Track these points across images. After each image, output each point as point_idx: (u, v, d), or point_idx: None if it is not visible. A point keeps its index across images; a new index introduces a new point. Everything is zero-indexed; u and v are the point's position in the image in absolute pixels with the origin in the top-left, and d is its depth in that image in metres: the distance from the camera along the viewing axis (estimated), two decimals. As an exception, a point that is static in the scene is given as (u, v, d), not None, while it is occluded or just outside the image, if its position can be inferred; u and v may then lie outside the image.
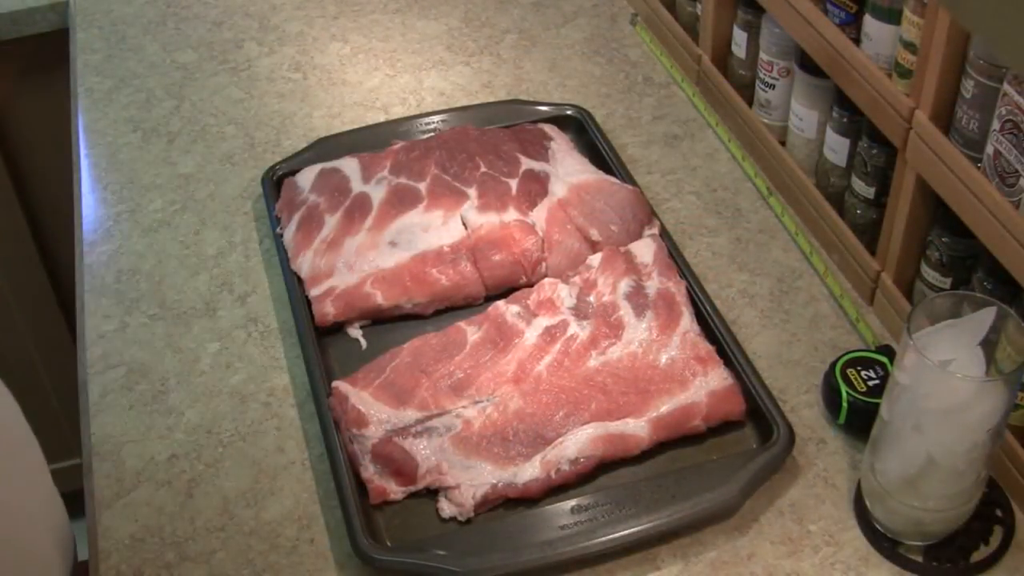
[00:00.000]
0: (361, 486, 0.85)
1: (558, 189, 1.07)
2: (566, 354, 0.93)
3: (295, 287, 1.01)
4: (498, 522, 0.84)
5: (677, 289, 0.97)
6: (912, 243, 0.95)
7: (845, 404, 0.89)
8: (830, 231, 1.05)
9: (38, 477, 0.88)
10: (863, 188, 1.00)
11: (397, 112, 1.25)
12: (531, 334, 0.94)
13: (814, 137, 1.08)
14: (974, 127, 0.83)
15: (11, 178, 1.58)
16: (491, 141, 1.13)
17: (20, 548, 0.79)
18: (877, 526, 0.83)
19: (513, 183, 1.08)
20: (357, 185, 1.09)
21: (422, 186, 1.08)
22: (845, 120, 1.00)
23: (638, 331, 0.94)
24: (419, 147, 1.13)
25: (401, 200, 1.07)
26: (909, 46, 0.87)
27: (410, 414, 0.89)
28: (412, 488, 0.86)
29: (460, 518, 0.84)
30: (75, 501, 0.94)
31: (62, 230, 1.48)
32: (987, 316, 0.74)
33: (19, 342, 1.72)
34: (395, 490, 0.85)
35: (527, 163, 1.10)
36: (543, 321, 0.95)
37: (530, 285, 1.01)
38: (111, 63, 1.34)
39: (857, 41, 0.95)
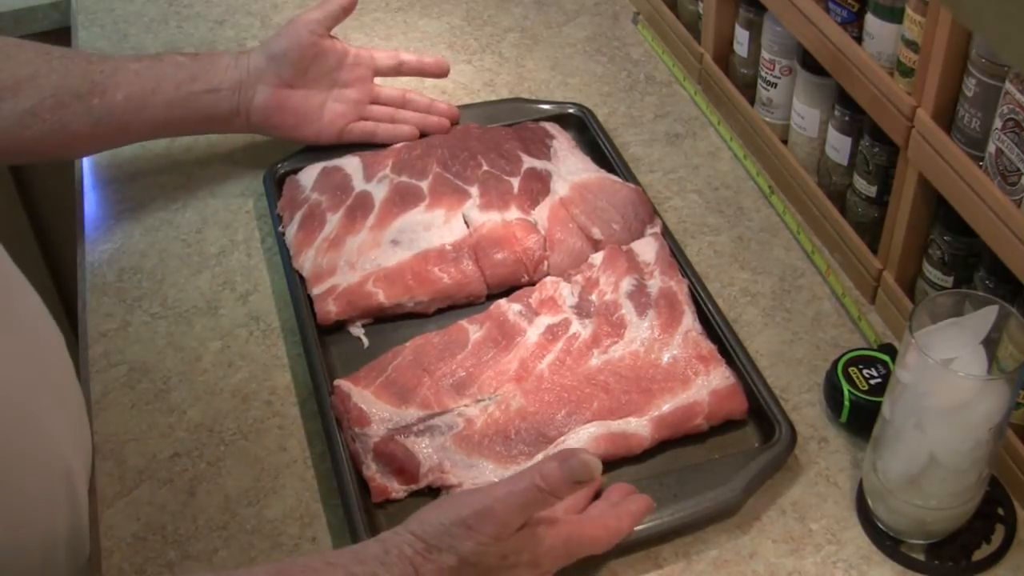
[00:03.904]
0: (363, 485, 0.85)
1: (560, 188, 1.07)
2: (568, 353, 0.93)
3: (297, 286, 1.01)
4: (500, 521, 0.84)
5: (679, 288, 0.97)
6: (914, 241, 0.94)
7: (847, 403, 0.88)
8: (832, 230, 1.05)
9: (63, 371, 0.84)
10: (865, 187, 1.00)
11: (399, 110, 1.25)
12: (533, 333, 0.94)
13: (816, 136, 1.07)
14: (976, 125, 0.83)
15: (13, 176, 1.58)
16: (493, 139, 1.13)
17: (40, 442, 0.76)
18: (879, 525, 0.83)
19: (515, 181, 1.08)
20: (359, 183, 1.09)
21: (424, 184, 1.08)
22: (847, 119, 1.00)
23: (640, 330, 0.94)
24: (421, 145, 1.13)
25: (403, 198, 1.07)
26: (911, 44, 0.87)
27: (412, 413, 0.89)
28: (414, 487, 0.86)
29: (462, 517, 0.84)
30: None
31: (64, 228, 1.49)
32: (989, 314, 0.74)
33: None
34: (397, 489, 0.85)
35: (529, 161, 1.10)
36: (545, 320, 0.95)
37: (532, 284, 1.01)
38: (113, 62, 1.34)
39: (859, 39, 0.95)
